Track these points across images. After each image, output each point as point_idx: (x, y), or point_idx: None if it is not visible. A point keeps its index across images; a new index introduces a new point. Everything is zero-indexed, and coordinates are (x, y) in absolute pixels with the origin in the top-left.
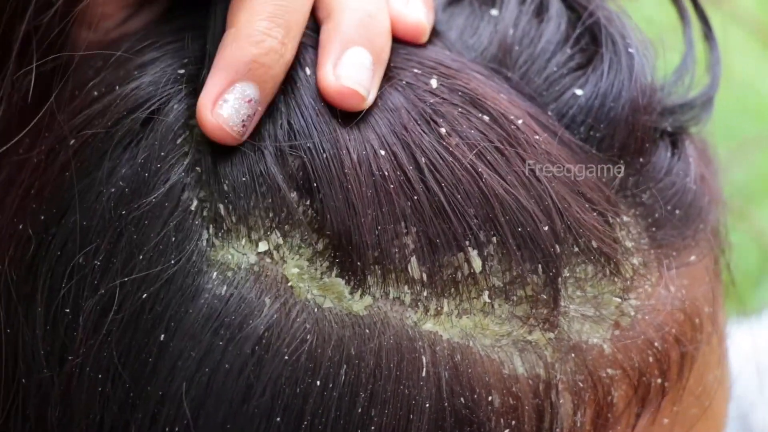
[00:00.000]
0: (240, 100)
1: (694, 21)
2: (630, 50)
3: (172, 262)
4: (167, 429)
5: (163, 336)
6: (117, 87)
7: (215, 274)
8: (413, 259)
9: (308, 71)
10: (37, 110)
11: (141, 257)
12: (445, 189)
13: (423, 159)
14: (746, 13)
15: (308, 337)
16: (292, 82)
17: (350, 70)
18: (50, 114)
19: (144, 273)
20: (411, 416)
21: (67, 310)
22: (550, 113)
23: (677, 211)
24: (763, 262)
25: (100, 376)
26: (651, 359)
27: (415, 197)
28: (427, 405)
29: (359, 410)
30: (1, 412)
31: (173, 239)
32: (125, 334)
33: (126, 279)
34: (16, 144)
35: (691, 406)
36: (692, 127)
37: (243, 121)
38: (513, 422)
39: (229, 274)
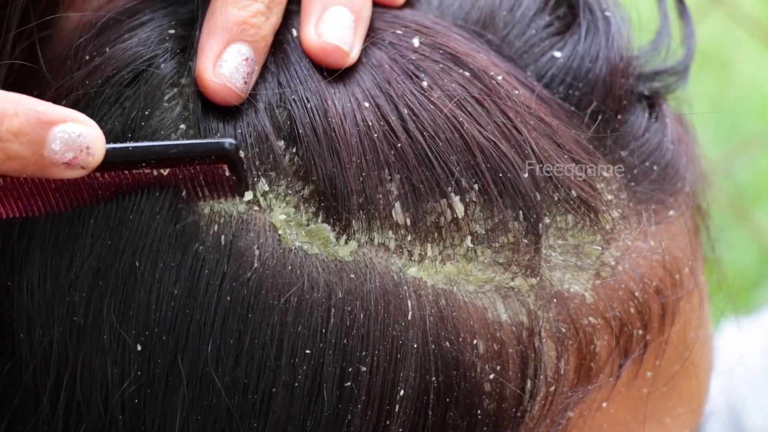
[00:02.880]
0: (238, 58)
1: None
2: (606, 14)
3: (164, 212)
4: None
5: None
6: (107, 49)
7: (205, 224)
8: (397, 204)
9: (294, 33)
10: (27, 80)
11: (132, 216)
12: (427, 137)
13: (405, 110)
14: (746, 13)
15: (296, 283)
16: (280, 45)
17: (331, 28)
18: (43, 81)
19: (136, 228)
20: (398, 356)
21: (64, 273)
22: (529, 74)
23: (655, 168)
24: (763, 262)
25: (102, 335)
26: (632, 310)
27: (399, 145)
28: (415, 346)
29: (350, 352)
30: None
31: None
32: (122, 289)
33: (118, 236)
34: None
35: (673, 362)
36: (668, 94)
37: (244, 78)
38: (498, 367)
39: (221, 221)
